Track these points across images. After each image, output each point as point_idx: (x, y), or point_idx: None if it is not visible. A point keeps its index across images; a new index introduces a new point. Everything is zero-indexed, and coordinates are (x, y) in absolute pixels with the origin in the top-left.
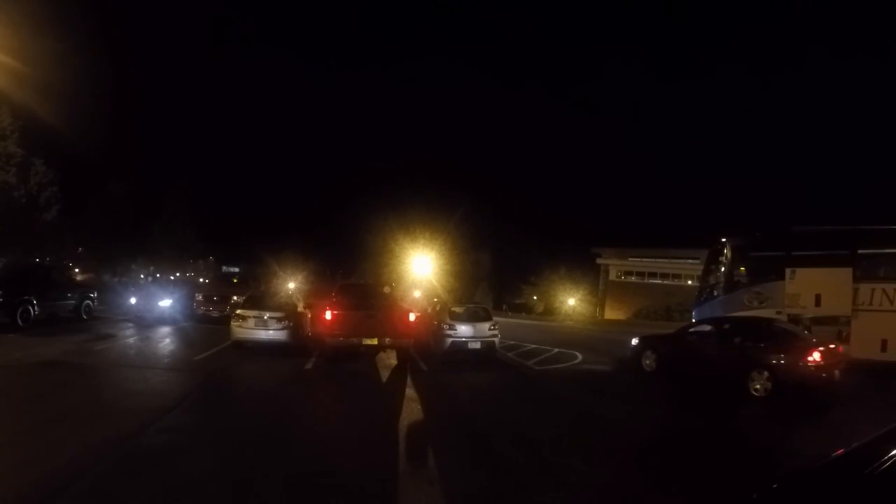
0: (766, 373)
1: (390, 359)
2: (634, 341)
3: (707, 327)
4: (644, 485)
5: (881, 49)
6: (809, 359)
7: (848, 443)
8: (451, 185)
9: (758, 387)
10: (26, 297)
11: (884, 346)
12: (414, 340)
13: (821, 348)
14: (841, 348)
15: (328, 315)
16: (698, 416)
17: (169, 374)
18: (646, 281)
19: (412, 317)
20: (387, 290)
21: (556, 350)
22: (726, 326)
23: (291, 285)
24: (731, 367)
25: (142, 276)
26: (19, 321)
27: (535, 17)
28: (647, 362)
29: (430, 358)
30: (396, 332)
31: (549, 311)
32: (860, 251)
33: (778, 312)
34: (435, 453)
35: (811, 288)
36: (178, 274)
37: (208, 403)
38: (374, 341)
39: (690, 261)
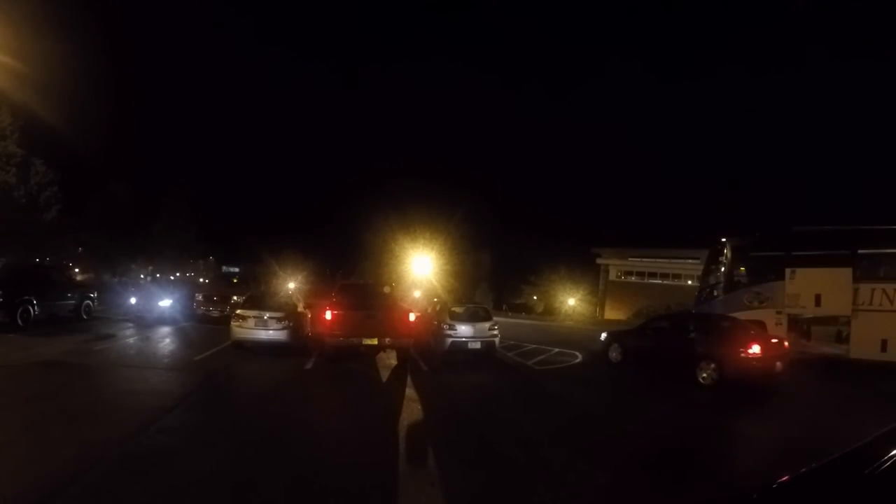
0: (712, 363)
1: (390, 359)
2: (603, 336)
3: (664, 322)
4: (642, 485)
5: (881, 49)
6: (750, 351)
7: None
8: (452, 184)
9: (704, 376)
10: (26, 297)
11: (884, 346)
12: (414, 340)
13: (761, 341)
14: (786, 343)
15: (328, 315)
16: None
17: (169, 374)
18: (646, 281)
19: (412, 317)
20: (387, 290)
21: (556, 350)
22: (680, 321)
23: (291, 285)
24: (683, 358)
25: (142, 276)
26: (19, 321)
27: (535, 17)
28: (614, 354)
29: (430, 358)
30: (396, 332)
31: (549, 311)
32: (860, 251)
33: (778, 312)
34: (435, 453)
35: (811, 288)
36: (178, 274)
37: (208, 403)
38: (374, 341)
39: (690, 261)
